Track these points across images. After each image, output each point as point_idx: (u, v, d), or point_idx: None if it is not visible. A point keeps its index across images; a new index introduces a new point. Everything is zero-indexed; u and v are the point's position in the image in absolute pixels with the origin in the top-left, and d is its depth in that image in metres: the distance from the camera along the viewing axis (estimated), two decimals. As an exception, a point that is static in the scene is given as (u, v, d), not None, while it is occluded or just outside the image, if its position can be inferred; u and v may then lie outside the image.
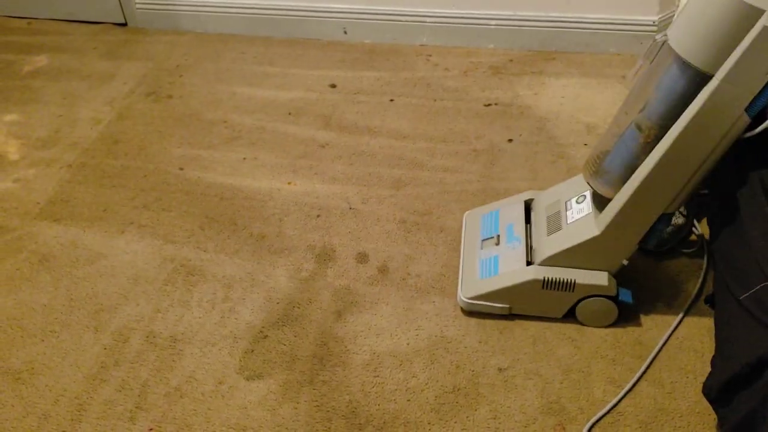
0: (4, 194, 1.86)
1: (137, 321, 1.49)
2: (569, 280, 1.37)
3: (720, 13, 1.10)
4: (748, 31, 1.07)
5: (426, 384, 1.36)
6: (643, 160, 1.25)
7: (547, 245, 1.41)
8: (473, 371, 1.38)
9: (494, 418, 1.30)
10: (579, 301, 1.40)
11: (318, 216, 1.77)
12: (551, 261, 1.39)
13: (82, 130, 2.13)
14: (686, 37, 1.16)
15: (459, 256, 1.60)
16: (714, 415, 1.26)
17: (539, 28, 2.45)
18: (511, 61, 2.43)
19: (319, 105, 2.21)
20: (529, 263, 1.43)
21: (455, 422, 1.29)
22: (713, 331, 1.31)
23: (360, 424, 1.29)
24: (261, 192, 1.86)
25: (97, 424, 1.28)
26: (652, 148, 1.23)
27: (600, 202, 1.37)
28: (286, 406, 1.32)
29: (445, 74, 2.37)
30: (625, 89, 1.30)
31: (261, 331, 1.47)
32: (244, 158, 1.99)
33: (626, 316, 1.44)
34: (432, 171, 1.93)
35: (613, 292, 1.37)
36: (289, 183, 1.89)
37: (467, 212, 1.70)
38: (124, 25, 2.72)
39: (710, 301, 1.42)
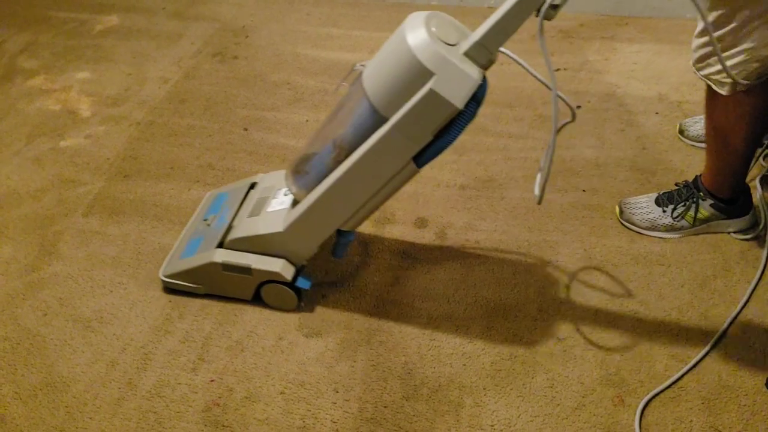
0: (77, 150, 1.92)
1: (201, 276, 1.53)
2: (246, 265, 1.37)
3: (400, 63, 1.09)
4: (420, 87, 1.08)
5: (482, 350, 1.35)
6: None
7: (240, 228, 1.42)
8: (531, 339, 1.37)
9: (551, 387, 1.28)
10: (261, 284, 1.40)
11: (379, 179, 1.77)
12: (237, 244, 1.39)
13: (151, 88, 2.17)
14: (373, 76, 1.15)
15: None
16: (782, 396, 1.22)
17: (612, -9, 2.36)
18: (582, 25, 2.36)
19: (382, 68, 2.19)
20: (221, 244, 1.42)
21: (511, 389, 1.28)
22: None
23: (415, 385, 1.30)
24: (323, 154, 1.86)
25: (161, 373, 1.33)
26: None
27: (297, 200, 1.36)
28: (343, 363, 1.34)
29: (513, 37, 2.31)
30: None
31: (320, 291, 1.48)
32: (307, 120, 1.99)
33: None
34: (496, 137, 1.89)
35: (287, 279, 1.37)
36: (350, 145, 1.88)
37: (210, 192, 1.67)
38: (192, -15, 2.75)
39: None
